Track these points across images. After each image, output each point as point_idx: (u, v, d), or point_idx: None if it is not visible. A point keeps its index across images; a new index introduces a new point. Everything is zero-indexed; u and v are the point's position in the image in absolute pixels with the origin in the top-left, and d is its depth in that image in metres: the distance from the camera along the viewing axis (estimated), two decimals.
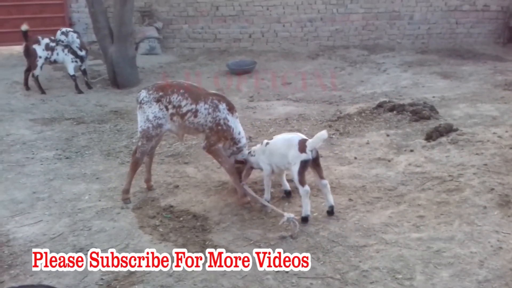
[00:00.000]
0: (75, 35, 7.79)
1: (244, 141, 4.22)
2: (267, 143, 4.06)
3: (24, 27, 7.38)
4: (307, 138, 3.84)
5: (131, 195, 4.31)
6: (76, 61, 7.88)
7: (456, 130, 5.36)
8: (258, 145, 4.18)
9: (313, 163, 3.80)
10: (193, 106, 4.03)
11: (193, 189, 4.47)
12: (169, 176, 4.78)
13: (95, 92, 8.07)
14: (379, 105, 6.40)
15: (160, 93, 4.05)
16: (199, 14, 11.15)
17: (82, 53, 7.87)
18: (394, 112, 6.14)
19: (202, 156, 5.23)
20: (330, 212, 3.89)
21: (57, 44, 7.67)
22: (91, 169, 4.98)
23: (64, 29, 7.84)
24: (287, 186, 4.26)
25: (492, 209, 3.80)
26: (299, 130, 5.91)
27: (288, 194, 4.25)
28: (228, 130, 4.09)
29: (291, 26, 11.30)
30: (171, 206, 4.16)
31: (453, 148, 4.98)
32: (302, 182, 3.73)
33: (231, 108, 4.12)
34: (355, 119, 6.19)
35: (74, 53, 7.80)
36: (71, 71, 7.91)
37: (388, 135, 5.53)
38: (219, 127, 4.06)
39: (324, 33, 11.36)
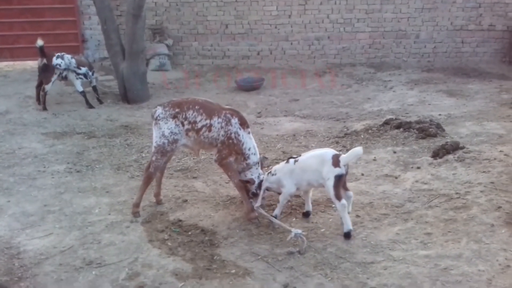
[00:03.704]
0: (69, 56, 7.84)
1: (255, 158, 4.21)
2: (295, 161, 4.01)
3: (39, 42, 7.50)
4: (339, 153, 3.88)
5: (141, 209, 4.36)
6: (80, 78, 7.98)
7: (463, 148, 5.38)
8: (282, 163, 4.15)
9: None
10: (208, 121, 4.11)
11: (201, 204, 4.52)
12: (178, 190, 4.84)
13: (106, 107, 8.19)
14: (386, 122, 6.44)
15: (177, 110, 4.14)
16: (209, 32, 11.34)
17: (81, 70, 7.94)
18: (401, 129, 6.18)
19: (211, 171, 5.30)
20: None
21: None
22: (101, 182, 5.05)
23: (59, 54, 7.80)
24: (310, 206, 4.21)
25: (499, 227, 3.81)
26: (306, 147, 5.98)
27: (307, 215, 4.19)
28: (238, 144, 4.15)
29: (299, 44, 11.45)
30: (180, 220, 4.20)
31: (459, 165, 5.01)
32: (338, 196, 3.72)
33: (243, 123, 4.18)
34: (362, 136, 6.23)
35: (74, 71, 7.91)
36: (79, 88, 8.03)
37: (395, 152, 5.56)
38: (230, 141, 4.13)
39: (331, 51, 11.49)
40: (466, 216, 4.00)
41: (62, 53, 7.81)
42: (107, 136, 6.62)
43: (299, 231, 3.69)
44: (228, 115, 4.15)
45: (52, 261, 3.62)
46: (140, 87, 8.52)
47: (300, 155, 4.10)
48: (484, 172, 4.80)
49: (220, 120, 4.12)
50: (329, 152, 3.89)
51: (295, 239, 3.68)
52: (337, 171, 3.74)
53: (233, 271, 3.45)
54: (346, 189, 3.91)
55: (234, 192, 4.70)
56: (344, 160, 3.76)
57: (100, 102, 8.35)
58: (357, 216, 4.17)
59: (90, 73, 8.10)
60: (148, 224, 4.16)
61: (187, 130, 4.15)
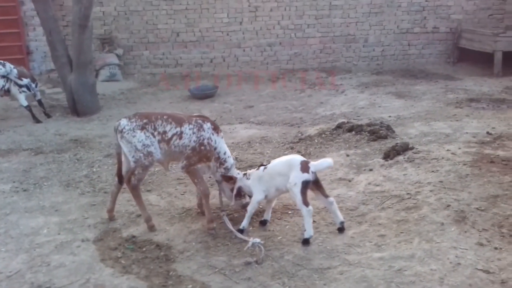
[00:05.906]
0: (12, 65, 7.55)
1: (231, 161, 4.21)
2: (264, 168, 4.05)
3: None
4: (307, 159, 3.93)
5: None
6: (24, 91, 7.66)
7: (412, 148, 5.54)
8: (253, 170, 4.18)
9: (315, 185, 3.88)
10: (178, 129, 4.04)
11: (156, 218, 4.40)
12: (132, 205, 4.69)
13: (54, 121, 7.89)
14: (338, 126, 6.54)
15: (145, 121, 4.03)
16: (160, 40, 11.20)
17: (23, 82, 7.63)
18: (353, 132, 6.30)
19: (165, 183, 5.19)
20: (341, 228, 3.95)
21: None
22: (49, 201, 4.84)
23: (1, 61, 7.53)
24: (269, 216, 4.20)
25: (449, 225, 3.92)
26: (262, 153, 5.98)
27: (263, 223, 4.17)
28: (210, 150, 4.10)
29: (251, 51, 11.50)
30: (134, 236, 4.07)
31: (410, 166, 5.15)
32: (305, 202, 3.75)
33: (216, 128, 4.16)
34: (316, 140, 6.30)
35: (16, 83, 7.60)
36: (23, 102, 7.71)
37: (348, 155, 5.66)
38: (202, 147, 4.07)
39: (283, 56, 11.62)
40: (417, 216, 4.11)
41: (5, 62, 7.51)
42: (56, 151, 6.36)
43: (258, 240, 3.67)
44: (200, 121, 4.12)
45: None
46: (90, 99, 8.28)
47: (269, 162, 4.13)
48: (433, 171, 4.95)
49: (191, 126, 4.07)
50: (297, 158, 3.93)
51: (252, 248, 3.65)
52: (305, 176, 3.78)
53: (190, 286, 3.38)
54: (326, 196, 3.94)
55: (189, 203, 4.63)
56: (314, 167, 3.82)
57: (48, 116, 8.05)
58: (313, 221, 4.17)
59: (33, 85, 7.79)
60: (100, 242, 4.01)
61: (158, 142, 4.05)
